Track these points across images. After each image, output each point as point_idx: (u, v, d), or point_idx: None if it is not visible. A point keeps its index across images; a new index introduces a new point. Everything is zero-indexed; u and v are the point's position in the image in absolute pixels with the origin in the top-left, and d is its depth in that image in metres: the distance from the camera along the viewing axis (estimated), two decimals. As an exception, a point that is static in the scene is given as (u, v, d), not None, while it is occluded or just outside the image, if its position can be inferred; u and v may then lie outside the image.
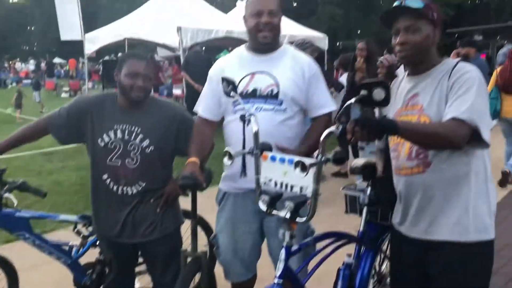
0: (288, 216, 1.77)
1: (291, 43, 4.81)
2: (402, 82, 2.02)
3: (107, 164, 2.34)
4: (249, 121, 1.95)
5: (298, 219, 1.79)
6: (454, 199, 1.82)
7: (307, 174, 1.62)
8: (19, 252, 3.29)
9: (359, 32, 26.32)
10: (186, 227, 2.62)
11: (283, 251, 1.83)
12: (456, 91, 1.75)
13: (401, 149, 1.92)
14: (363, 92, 1.57)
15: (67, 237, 2.82)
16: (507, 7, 25.97)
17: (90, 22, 34.62)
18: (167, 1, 10.77)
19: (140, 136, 2.32)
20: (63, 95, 20.89)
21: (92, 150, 2.39)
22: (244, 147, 2.21)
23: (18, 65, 34.25)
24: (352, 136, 1.59)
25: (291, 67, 2.27)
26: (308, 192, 1.72)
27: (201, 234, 3.09)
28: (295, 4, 27.26)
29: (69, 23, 10.76)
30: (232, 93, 2.03)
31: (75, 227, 2.73)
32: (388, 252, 2.46)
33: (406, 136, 1.71)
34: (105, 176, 2.36)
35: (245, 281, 2.42)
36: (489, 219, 1.85)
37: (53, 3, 11.45)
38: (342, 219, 2.66)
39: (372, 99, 1.57)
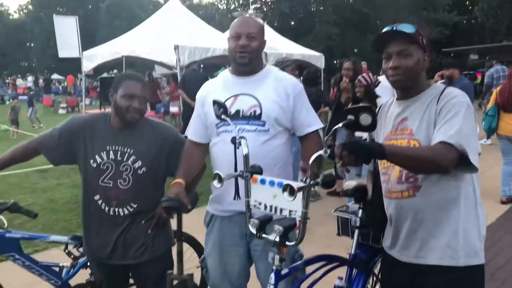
0: (277, 239, 1.76)
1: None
2: (391, 106, 2.05)
3: (99, 184, 2.34)
4: (240, 143, 1.95)
5: (287, 243, 1.78)
6: (444, 223, 1.83)
7: (294, 198, 1.62)
8: (9, 273, 3.26)
9: (356, 51, 26.57)
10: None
11: (272, 275, 1.82)
12: (444, 115, 1.77)
13: (391, 173, 1.93)
14: (350, 117, 1.58)
15: (60, 255, 2.78)
16: (502, 28, 26.29)
17: (89, 39, 34.95)
18: (165, 20, 10.87)
19: (133, 157, 2.33)
20: (61, 111, 20.92)
21: (84, 171, 2.39)
22: (236, 169, 2.21)
23: (20, 81, 34.37)
24: (340, 160, 1.60)
25: (274, 88, 2.30)
26: (297, 216, 1.72)
27: (194, 255, 3.08)
28: (292, 23, 27.52)
29: (67, 41, 10.85)
30: (223, 116, 2.05)
31: (66, 247, 2.71)
32: (380, 275, 2.44)
33: (393, 161, 1.73)
34: (97, 197, 2.36)
35: None
36: (479, 243, 1.85)
37: (52, 20, 11.57)
38: (336, 239, 2.64)
39: (359, 124, 1.58)
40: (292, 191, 1.62)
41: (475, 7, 28.34)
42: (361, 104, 1.63)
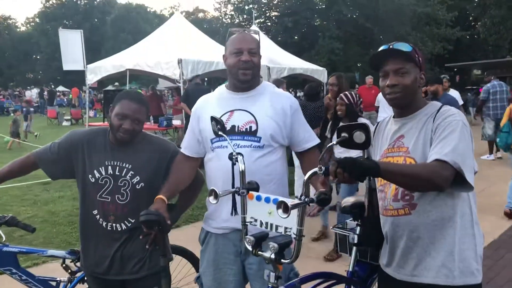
0: (273, 257, 1.76)
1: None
2: (389, 123, 2.05)
3: (97, 199, 2.34)
4: (236, 159, 1.95)
5: (282, 260, 1.78)
6: (440, 241, 1.82)
7: (288, 215, 1.62)
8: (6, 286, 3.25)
9: (359, 65, 26.70)
10: (176, 263, 2.60)
11: (268, 293, 1.81)
12: (439, 133, 1.78)
13: (387, 190, 1.93)
14: (343, 134, 1.59)
15: (59, 269, 2.76)
16: (504, 43, 26.38)
17: (95, 51, 35.21)
18: (169, 34, 10.97)
19: (131, 172, 2.33)
20: (65, 123, 21.04)
21: (82, 185, 2.39)
22: (233, 186, 2.21)
23: (28, 93, 34.66)
24: (335, 177, 1.60)
25: (270, 105, 2.30)
26: (292, 233, 1.72)
27: (192, 270, 3.06)
28: (296, 37, 27.71)
29: (72, 54, 10.96)
30: (220, 133, 2.05)
31: (64, 262, 2.70)
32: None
33: (388, 178, 1.73)
34: (94, 212, 2.36)
35: None
36: (476, 263, 1.83)
37: (58, 33, 11.70)
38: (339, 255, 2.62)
39: (352, 142, 1.59)
40: (286, 208, 1.62)
41: (478, 23, 28.48)
42: (355, 122, 1.64)
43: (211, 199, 1.89)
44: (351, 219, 2.51)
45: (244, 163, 1.94)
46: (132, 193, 2.33)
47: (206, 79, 15.76)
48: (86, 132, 2.46)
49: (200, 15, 62.73)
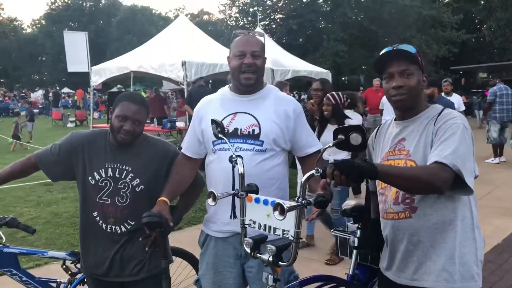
0: (271, 259, 1.75)
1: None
2: (390, 126, 2.04)
3: (97, 201, 2.34)
4: (236, 162, 1.95)
5: (281, 263, 1.77)
6: (441, 245, 1.81)
7: (284, 217, 1.61)
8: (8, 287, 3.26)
9: (364, 67, 26.66)
10: (176, 265, 2.60)
11: (266, 295, 1.81)
12: (440, 136, 1.77)
13: (388, 193, 1.92)
14: (340, 136, 1.58)
15: (61, 270, 2.76)
16: (510, 46, 26.26)
17: (100, 53, 35.30)
18: (173, 36, 10.98)
19: (131, 175, 2.33)
20: (69, 125, 21.11)
21: (82, 187, 2.39)
22: (233, 188, 2.20)
23: (34, 94, 34.88)
24: (332, 179, 1.60)
25: (274, 109, 2.28)
26: (290, 235, 1.71)
27: (192, 272, 3.06)
28: (300, 40, 27.71)
29: (77, 56, 11.00)
30: (219, 135, 2.04)
31: (64, 263, 2.71)
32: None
33: (386, 180, 1.72)
34: (94, 214, 2.36)
35: None
36: (476, 267, 1.82)
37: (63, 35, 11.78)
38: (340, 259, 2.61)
39: (349, 144, 1.58)
40: (282, 211, 1.61)
41: (483, 25, 28.38)
42: (352, 124, 1.63)
43: (210, 201, 1.88)
44: (352, 222, 2.50)
45: (243, 165, 1.93)
46: (132, 195, 2.33)
47: (210, 81, 15.77)
48: (86, 134, 2.46)
49: (205, 17, 62.93)
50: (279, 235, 1.76)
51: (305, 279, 2.17)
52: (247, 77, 2.23)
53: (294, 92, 25.12)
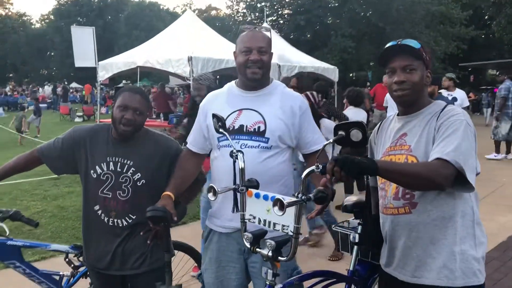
0: (270, 254, 1.75)
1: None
2: (392, 121, 2.03)
3: (98, 195, 2.35)
4: (236, 157, 1.95)
5: (280, 258, 1.77)
6: (441, 242, 1.80)
7: (283, 213, 1.61)
8: (9, 281, 3.29)
9: (371, 64, 26.49)
10: (179, 259, 2.61)
11: (265, 291, 1.81)
12: (442, 132, 1.76)
13: (388, 188, 1.92)
14: (340, 133, 1.58)
15: (64, 263, 2.80)
16: (521, 42, 25.98)
17: (108, 48, 35.36)
18: (180, 31, 10.99)
19: (132, 169, 2.34)
20: (77, 119, 21.23)
21: (84, 181, 2.41)
22: (234, 183, 2.20)
23: (45, 88, 35.13)
24: (332, 175, 1.59)
25: (280, 106, 2.27)
26: (289, 231, 1.71)
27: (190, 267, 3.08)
28: (308, 36, 27.59)
29: (84, 51, 11.06)
30: (220, 130, 2.04)
31: (67, 256, 2.73)
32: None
33: (386, 177, 1.72)
34: (96, 207, 2.37)
35: None
36: (477, 263, 1.80)
37: (71, 30, 11.84)
38: (343, 253, 2.60)
39: (349, 140, 1.57)
40: (282, 206, 1.61)
41: (493, 21, 28.06)
42: (352, 121, 1.62)
43: (210, 195, 1.89)
44: (353, 218, 2.50)
45: (244, 161, 1.93)
46: (133, 189, 2.34)
47: (218, 76, 15.77)
48: (89, 128, 2.47)
49: (213, 12, 62.86)
50: (278, 230, 1.76)
51: (305, 274, 2.18)
52: (254, 71, 2.22)
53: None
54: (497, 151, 9.92)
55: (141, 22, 46.64)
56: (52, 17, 55.24)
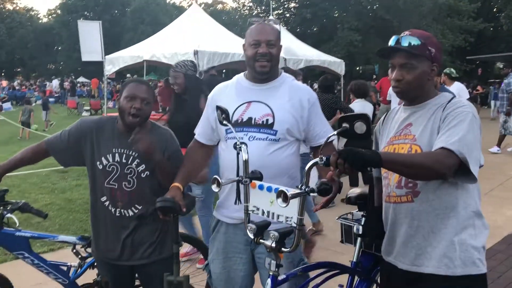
0: (273, 245, 1.78)
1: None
2: (399, 111, 2.05)
3: (105, 186, 2.39)
4: (240, 149, 1.97)
5: (283, 249, 1.79)
6: (441, 231, 1.81)
7: (287, 205, 1.63)
8: (18, 272, 3.34)
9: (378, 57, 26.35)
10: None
11: (269, 281, 1.84)
12: (448, 123, 1.77)
13: (391, 177, 1.93)
14: (344, 125, 1.59)
15: (72, 255, 2.84)
16: (529, 35, 25.70)
17: (115, 42, 35.40)
18: (186, 25, 10.99)
19: (137, 160, 2.37)
20: (84, 113, 21.33)
21: (91, 172, 2.44)
22: (238, 175, 2.22)
23: (53, 83, 35.37)
24: (336, 168, 1.61)
25: (289, 98, 2.28)
26: (293, 222, 1.73)
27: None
28: (315, 29, 27.51)
29: (91, 45, 11.08)
30: (224, 122, 2.06)
31: (74, 247, 2.77)
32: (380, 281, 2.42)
33: (390, 168, 1.73)
34: (103, 198, 2.41)
35: None
36: (477, 252, 1.81)
37: (78, 24, 11.87)
38: (349, 246, 2.60)
39: (353, 132, 1.59)
40: (285, 198, 1.63)
41: (501, 14, 27.77)
42: (356, 113, 1.63)
43: (214, 187, 1.91)
44: (357, 210, 2.51)
45: (247, 152, 1.95)
46: (138, 181, 2.37)
47: (224, 70, 15.74)
48: (95, 120, 2.50)
49: (219, 6, 62.69)
50: (282, 221, 1.78)
51: (308, 265, 2.20)
52: (262, 64, 2.23)
53: (308, 82, 24.99)
54: (499, 144, 9.86)
55: (147, 17, 46.59)
56: (59, 11, 55.30)
